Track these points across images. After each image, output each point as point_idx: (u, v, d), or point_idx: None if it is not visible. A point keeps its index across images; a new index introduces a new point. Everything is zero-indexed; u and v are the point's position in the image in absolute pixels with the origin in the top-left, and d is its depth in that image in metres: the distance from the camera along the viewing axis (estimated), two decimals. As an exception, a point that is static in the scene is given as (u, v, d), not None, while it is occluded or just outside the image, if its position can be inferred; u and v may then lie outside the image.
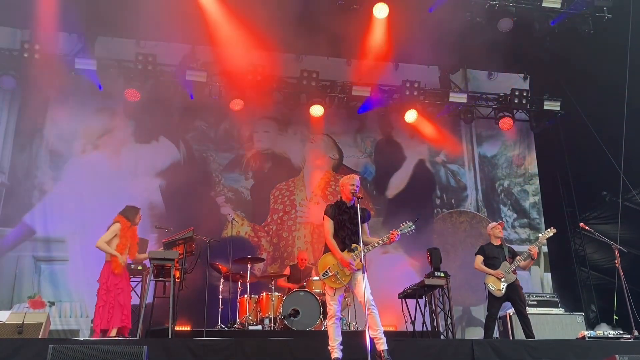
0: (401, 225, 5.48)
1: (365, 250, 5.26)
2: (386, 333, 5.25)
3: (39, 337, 6.59)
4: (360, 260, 5.23)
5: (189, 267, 6.76)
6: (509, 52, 10.40)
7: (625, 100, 8.77)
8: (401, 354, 5.53)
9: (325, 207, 5.57)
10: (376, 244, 5.37)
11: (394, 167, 11.31)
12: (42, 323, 6.74)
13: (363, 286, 5.14)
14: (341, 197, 5.54)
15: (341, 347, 5.23)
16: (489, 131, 11.78)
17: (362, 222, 5.37)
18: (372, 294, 5.20)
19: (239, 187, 10.61)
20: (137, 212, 6.86)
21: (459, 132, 11.80)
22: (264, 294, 8.07)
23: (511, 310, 7.70)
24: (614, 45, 9.25)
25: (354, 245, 5.31)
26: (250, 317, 7.91)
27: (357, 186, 5.44)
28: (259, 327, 7.78)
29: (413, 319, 7.92)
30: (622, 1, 9.25)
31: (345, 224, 5.38)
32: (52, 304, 9.01)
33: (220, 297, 8.34)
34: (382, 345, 5.08)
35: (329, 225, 5.41)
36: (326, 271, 5.30)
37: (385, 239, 5.35)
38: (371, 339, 5.02)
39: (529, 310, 7.53)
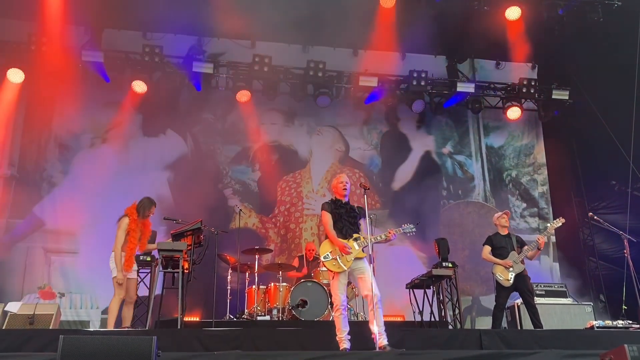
0: (403, 225, 5.76)
1: (365, 242, 5.42)
2: (394, 323, 5.29)
3: (50, 327, 6.67)
4: (363, 250, 5.40)
5: (197, 258, 6.78)
6: (517, 41, 10.30)
7: (635, 88, 8.69)
8: (409, 343, 5.55)
9: (322, 204, 5.74)
10: (373, 240, 5.50)
11: (400, 159, 11.27)
12: (52, 314, 6.84)
13: (369, 279, 5.24)
14: (335, 197, 5.71)
15: (349, 337, 5.26)
16: (496, 122, 11.72)
17: (358, 219, 5.59)
18: (378, 286, 5.30)
19: (246, 180, 10.64)
20: (150, 205, 6.81)
21: (465, 123, 11.74)
22: (272, 284, 8.10)
23: (519, 300, 7.69)
24: (623, 32, 9.14)
25: (356, 235, 5.46)
26: (258, 308, 7.95)
27: (346, 183, 5.66)
28: (268, 318, 7.82)
29: (421, 309, 7.93)
30: (632, -12, 9.14)
31: (343, 217, 5.56)
32: (62, 295, 9.10)
33: (229, 287, 8.39)
34: (384, 341, 5.16)
35: (327, 217, 5.58)
36: (327, 254, 5.44)
37: (383, 236, 5.55)
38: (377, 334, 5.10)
39: (537, 300, 7.52)
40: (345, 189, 5.63)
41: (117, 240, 6.54)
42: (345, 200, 5.65)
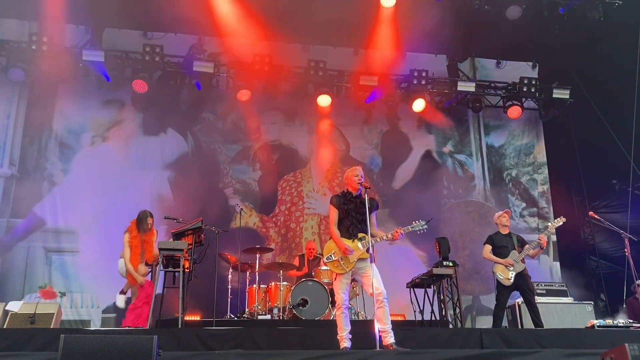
0: (413, 222, 5.56)
1: (372, 241, 5.30)
2: (395, 322, 5.26)
3: (51, 327, 6.68)
4: (367, 250, 5.27)
5: (198, 258, 6.79)
6: (518, 40, 10.29)
7: (635, 87, 8.69)
8: (410, 343, 5.54)
9: (331, 197, 5.62)
10: (379, 239, 5.41)
11: (401, 158, 11.27)
12: (53, 313, 6.84)
13: (372, 277, 5.15)
14: (347, 189, 5.58)
15: (350, 336, 5.25)
16: (496, 121, 11.72)
17: (370, 213, 5.42)
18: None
19: (247, 179, 10.64)
20: (145, 218, 6.93)
21: (466, 122, 11.74)
22: (273, 283, 8.10)
23: (520, 300, 7.68)
24: (624, 31, 9.13)
25: (361, 235, 5.34)
26: (259, 307, 7.96)
27: (361, 176, 5.50)
28: (268, 317, 7.82)
29: (421, 309, 7.93)
30: (632, -13, 9.13)
31: (350, 213, 5.42)
32: (62, 294, 9.11)
33: (230, 287, 8.39)
34: (390, 339, 5.12)
35: (333, 214, 5.48)
36: (330, 255, 5.38)
37: (390, 235, 5.40)
38: (379, 332, 5.07)
39: (538, 299, 7.52)
40: (360, 182, 5.43)
41: (124, 255, 6.72)
42: (356, 193, 5.47)
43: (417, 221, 5.57)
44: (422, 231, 5.56)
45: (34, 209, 9.61)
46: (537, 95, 11.05)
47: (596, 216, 7.99)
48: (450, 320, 7.96)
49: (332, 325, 5.48)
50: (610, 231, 8.09)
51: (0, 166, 9.76)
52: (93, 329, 8.14)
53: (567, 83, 10.89)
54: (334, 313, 7.40)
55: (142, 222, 6.88)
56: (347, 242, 5.34)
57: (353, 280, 5.52)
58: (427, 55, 11.32)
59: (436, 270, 7.80)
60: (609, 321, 7.23)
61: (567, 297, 8.32)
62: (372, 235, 5.38)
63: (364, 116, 11.37)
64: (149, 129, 10.46)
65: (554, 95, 10.85)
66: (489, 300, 10.04)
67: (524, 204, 11.39)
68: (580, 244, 10.98)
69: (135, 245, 6.74)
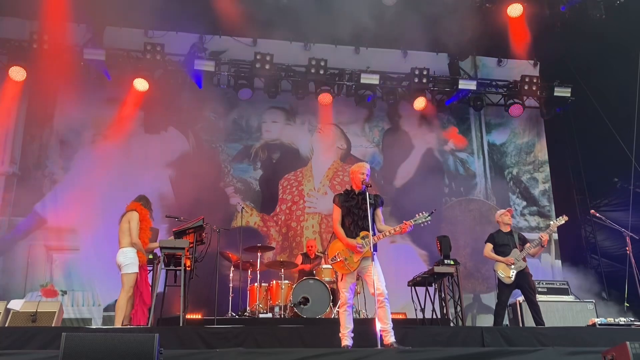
0: (417, 215, 5.49)
1: (375, 238, 5.27)
2: (396, 320, 5.25)
3: (52, 325, 6.69)
4: (370, 248, 5.23)
5: (199, 256, 6.79)
6: (519, 38, 10.28)
7: (637, 85, 8.67)
8: (411, 341, 5.54)
9: (334, 196, 5.63)
10: (387, 233, 5.39)
11: (402, 157, 11.27)
12: (55, 312, 6.85)
13: (374, 276, 5.13)
14: (351, 186, 5.58)
15: (352, 334, 5.25)
16: (498, 119, 11.72)
17: (375, 209, 5.42)
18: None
19: (248, 178, 10.64)
20: (148, 199, 6.96)
21: (468, 120, 11.74)
22: (274, 282, 8.10)
23: (521, 298, 7.67)
24: (625, 29, 9.12)
25: (364, 233, 5.31)
26: (260, 305, 7.96)
27: (367, 175, 5.47)
28: (269, 315, 7.83)
29: (423, 307, 7.93)
30: (634, -15, 9.11)
31: (352, 210, 5.40)
32: (64, 292, 9.12)
33: (231, 285, 8.40)
34: (391, 338, 5.11)
35: (336, 214, 5.48)
36: (334, 256, 5.37)
37: (398, 229, 5.36)
38: (380, 331, 5.06)
39: (539, 297, 7.52)
40: (363, 181, 5.38)
41: (133, 232, 6.51)
42: (359, 190, 5.43)
43: (420, 214, 5.49)
44: (425, 224, 5.48)
45: (35, 207, 9.63)
46: (538, 94, 11.02)
47: (598, 214, 7.98)
48: (451, 318, 7.97)
49: (333, 323, 5.50)
50: (612, 229, 8.10)
51: (1, 164, 9.77)
52: (94, 327, 8.16)
53: (569, 81, 10.87)
54: (335, 311, 7.45)
55: (149, 204, 6.89)
56: (350, 240, 5.32)
57: (358, 278, 5.50)
58: (428, 53, 11.31)
59: (437, 269, 7.80)
60: (610, 319, 7.22)
61: (569, 295, 8.31)
62: (379, 231, 5.39)
63: (365, 114, 11.37)
64: (150, 127, 10.46)
65: (555, 94, 10.84)
66: (490, 299, 10.06)
67: (524, 203, 11.39)
68: (582, 242, 10.98)
69: (145, 226, 6.70)
